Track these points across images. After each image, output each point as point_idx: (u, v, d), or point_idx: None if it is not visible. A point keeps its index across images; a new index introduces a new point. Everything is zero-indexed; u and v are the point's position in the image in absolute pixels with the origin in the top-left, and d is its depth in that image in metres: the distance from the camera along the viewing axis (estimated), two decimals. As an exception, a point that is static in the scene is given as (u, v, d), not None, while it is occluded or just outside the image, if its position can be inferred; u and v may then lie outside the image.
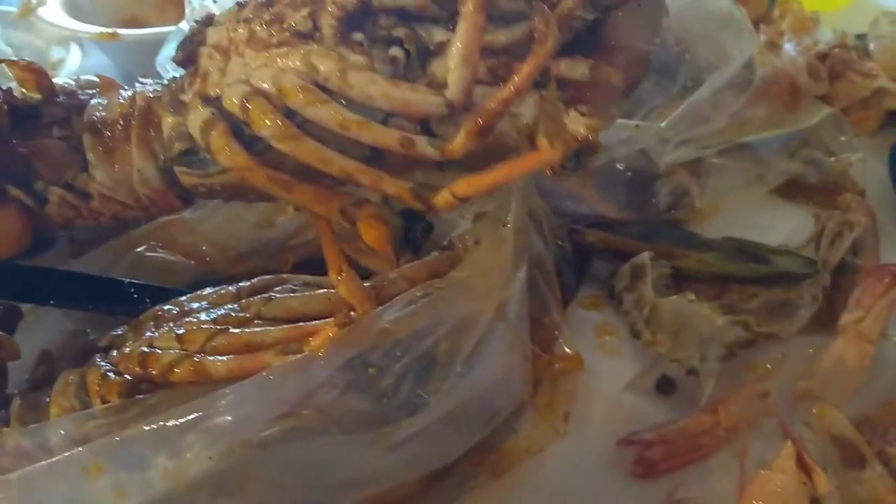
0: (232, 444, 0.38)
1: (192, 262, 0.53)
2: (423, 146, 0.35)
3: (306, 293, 0.44)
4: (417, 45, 0.36)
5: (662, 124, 0.57)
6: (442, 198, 0.35)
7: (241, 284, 0.46)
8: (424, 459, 0.42)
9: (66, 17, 0.75)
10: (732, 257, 0.56)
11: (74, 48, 0.71)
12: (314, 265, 0.51)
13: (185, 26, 0.67)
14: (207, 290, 0.47)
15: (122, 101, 0.42)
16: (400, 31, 0.36)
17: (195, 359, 0.40)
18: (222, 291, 0.46)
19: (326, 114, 0.35)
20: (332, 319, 0.41)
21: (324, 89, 0.36)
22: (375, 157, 0.36)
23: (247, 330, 0.42)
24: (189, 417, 0.37)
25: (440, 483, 0.44)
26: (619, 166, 0.62)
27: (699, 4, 0.66)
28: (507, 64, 0.35)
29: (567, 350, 0.50)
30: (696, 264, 0.55)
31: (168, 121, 0.39)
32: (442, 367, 0.41)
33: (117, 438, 0.37)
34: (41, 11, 0.75)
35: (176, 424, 0.37)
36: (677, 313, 0.49)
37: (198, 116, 0.38)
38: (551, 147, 0.32)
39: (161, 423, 0.37)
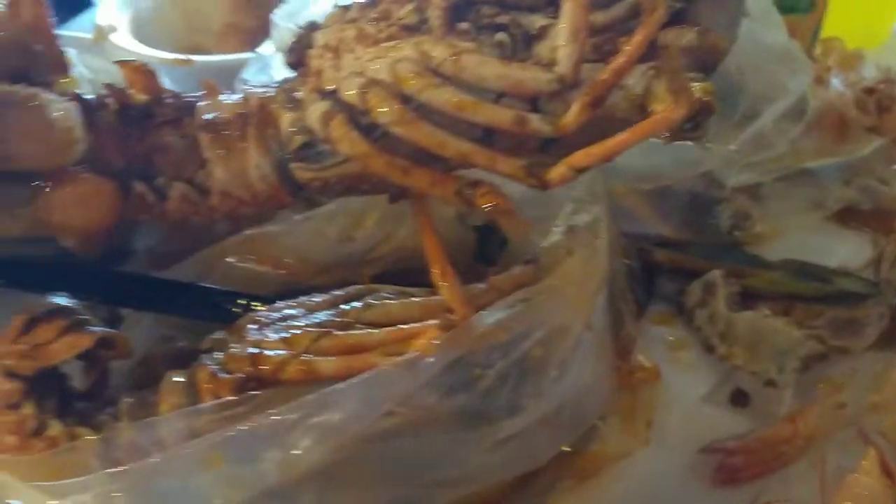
0: (341, 440, 0.39)
1: (278, 272, 0.55)
2: (537, 123, 0.37)
3: (403, 300, 0.46)
4: (521, 31, 0.38)
5: (732, 147, 0.59)
6: (557, 172, 0.36)
7: (335, 293, 0.48)
8: (519, 461, 0.43)
9: (137, 43, 0.78)
10: (797, 277, 0.58)
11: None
12: (389, 278, 0.53)
13: (265, 51, 0.70)
14: (302, 298, 0.49)
15: (232, 102, 0.44)
16: (503, 18, 0.38)
17: (304, 358, 0.42)
18: (317, 299, 0.48)
19: (442, 96, 0.37)
20: (434, 322, 0.42)
21: (437, 74, 0.38)
22: (484, 139, 0.38)
23: (350, 332, 0.43)
24: (300, 413, 0.39)
25: (527, 486, 0.46)
26: (678, 189, 0.64)
27: (756, 38, 0.68)
28: (611, 39, 0.37)
29: (644, 361, 0.51)
30: (763, 283, 0.57)
31: (286, 117, 0.42)
32: (537, 372, 0.42)
33: (233, 432, 0.38)
34: (113, 37, 0.78)
35: (288, 419, 0.39)
36: (753, 328, 0.51)
37: (317, 109, 0.40)
38: (676, 103, 0.34)
39: (274, 417, 0.39)
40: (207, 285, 0.53)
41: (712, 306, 0.54)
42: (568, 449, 0.45)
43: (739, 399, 0.51)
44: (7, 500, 0.41)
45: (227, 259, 0.55)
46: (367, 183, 0.42)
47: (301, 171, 0.42)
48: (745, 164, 0.61)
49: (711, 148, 0.59)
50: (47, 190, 0.42)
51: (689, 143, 0.59)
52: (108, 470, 0.39)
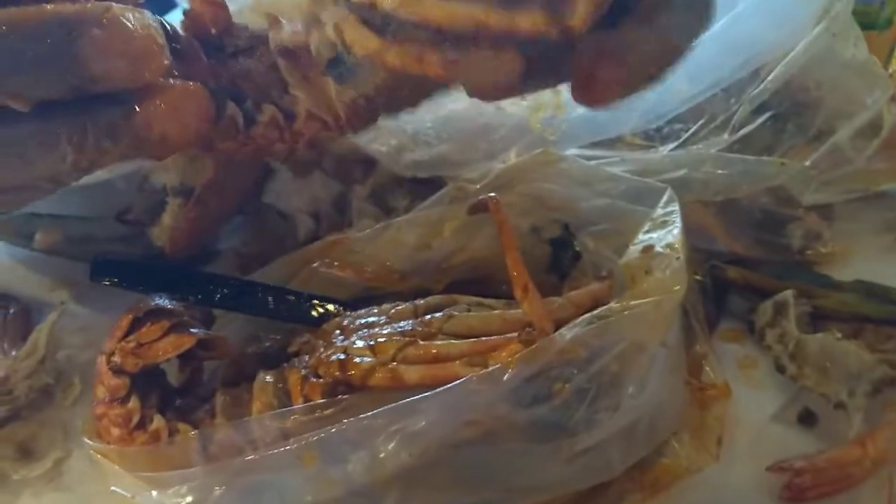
0: (424, 445, 0.41)
1: (358, 278, 0.57)
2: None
3: (483, 313, 0.48)
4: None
5: (807, 162, 0.60)
6: (580, 13, 0.36)
7: (417, 302, 0.50)
8: (595, 472, 0.45)
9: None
10: (867, 299, 0.58)
11: None
12: (463, 287, 0.55)
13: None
14: (385, 306, 0.51)
15: (296, 31, 0.45)
16: None
17: (391, 366, 0.44)
18: (400, 308, 0.50)
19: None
20: (515, 335, 0.44)
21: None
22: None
23: (434, 343, 0.46)
24: (388, 419, 0.41)
25: (597, 497, 0.47)
26: (750, 206, 0.65)
27: (835, 53, 0.68)
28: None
29: (714, 378, 0.52)
30: (834, 304, 0.57)
31: (314, 37, 0.43)
32: (614, 387, 0.44)
33: (327, 433, 0.41)
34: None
35: (376, 424, 0.41)
36: (824, 349, 0.52)
37: (330, 18, 0.42)
38: None
39: (364, 421, 0.41)
40: (294, 289, 0.55)
41: (783, 326, 0.54)
42: (639, 461, 0.47)
43: (808, 419, 0.52)
44: (112, 488, 0.44)
45: (311, 265, 0.57)
46: (405, 89, 0.42)
47: (343, 93, 0.43)
48: (822, 181, 0.62)
49: (786, 164, 0.59)
50: (142, 105, 0.40)
51: (763, 157, 0.61)
52: (208, 465, 0.42)
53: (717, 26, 0.59)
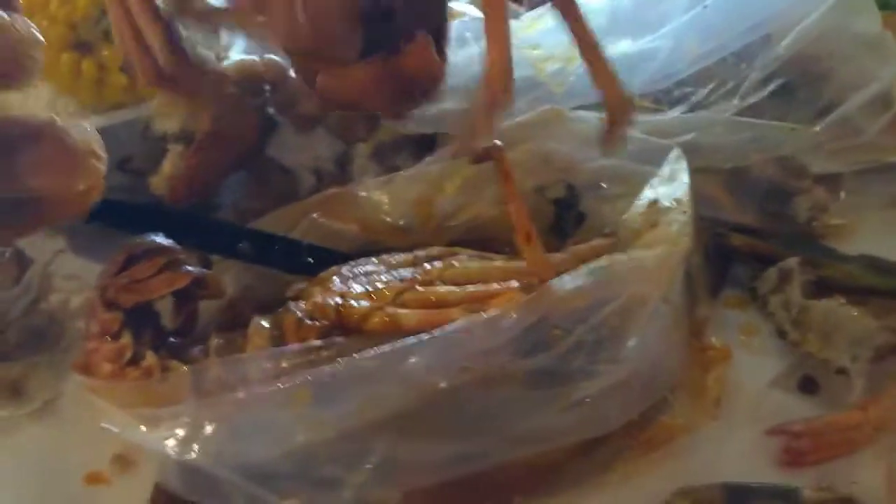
0: (420, 389, 0.41)
1: (358, 231, 0.57)
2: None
3: (484, 263, 0.47)
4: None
5: (817, 128, 0.59)
6: None
7: (417, 252, 0.50)
8: (590, 424, 0.44)
9: None
10: (872, 271, 0.57)
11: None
12: (466, 245, 0.55)
13: None
14: (384, 256, 0.50)
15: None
16: None
17: (388, 310, 0.43)
18: (400, 257, 0.50)
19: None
20: (515, 284, 0.44)
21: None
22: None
23: (432, 288, 0.45)
24: (383, 361, 0.40)
25: (593, 451, 0.46)
26: (758, 175, 0.64)
27: (848, 25, 0.67)
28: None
29: (715, 342, 0.52)
30: (839, 274, 0.56)
31: None
32: (614, 339, 0.43)
33: (318, 373, 0.40)
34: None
35: (371, 365, 0.40)
36: (827, 316, 0.51)
37: None
38: None
39: (358, 362, 0.40)
40: (293, 238, 0.55)
41: (787, 293, 0.54)
42: (637, 418, 0.46)
43: (808, 386, 0.51)
44: (102, 425, 0.44)
45: (310, 216, 0.56)
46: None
47: None
48: (829, 150, 0.61)
49: (796, 129, 0.59)
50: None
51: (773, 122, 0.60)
52: (199, 401, 0.41)
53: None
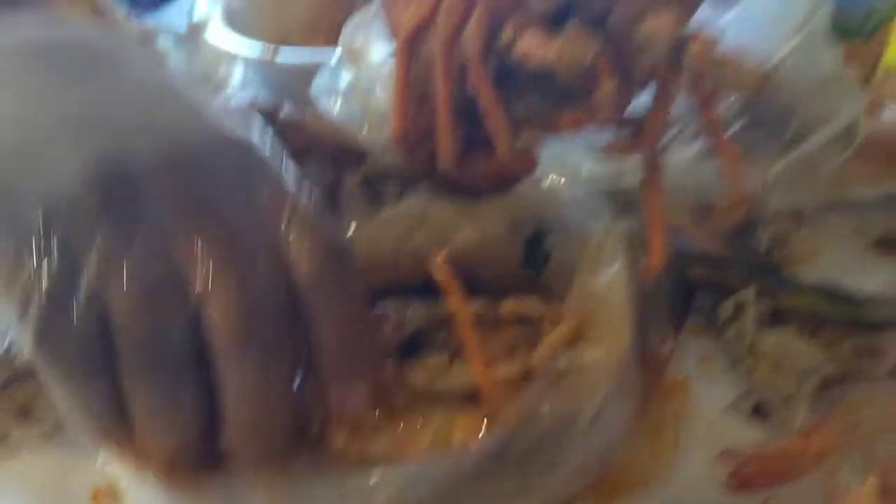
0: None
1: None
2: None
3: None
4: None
5: (769, 173, 0.63)
6: None
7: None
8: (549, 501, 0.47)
9: (229, 34, 0.84)
10: (827, 301, 0.61)
11: (237, 67, 0.80)
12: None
13: (334, 61, 0.74)
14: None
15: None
16: None
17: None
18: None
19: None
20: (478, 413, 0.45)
21: None
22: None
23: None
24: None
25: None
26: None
27: (811, 64, 0.71)
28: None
29: (675, 377, 0.56)
30: (794, 304, 0.60)
31: None
32: (571, 433, 0.46)
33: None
34: (207, 31, 0.84)
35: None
36: (778, 345, 0.55)
37: None
38: None
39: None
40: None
41: (742, 323, 0.58)
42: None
43: (760, 413, 0.55)
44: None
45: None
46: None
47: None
48: (786, 189, 0.65)
49: (753, 170, 0.62)
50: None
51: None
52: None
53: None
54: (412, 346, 0.53)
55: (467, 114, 0.45)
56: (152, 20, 0.89)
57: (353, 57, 0.72)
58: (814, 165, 0.67)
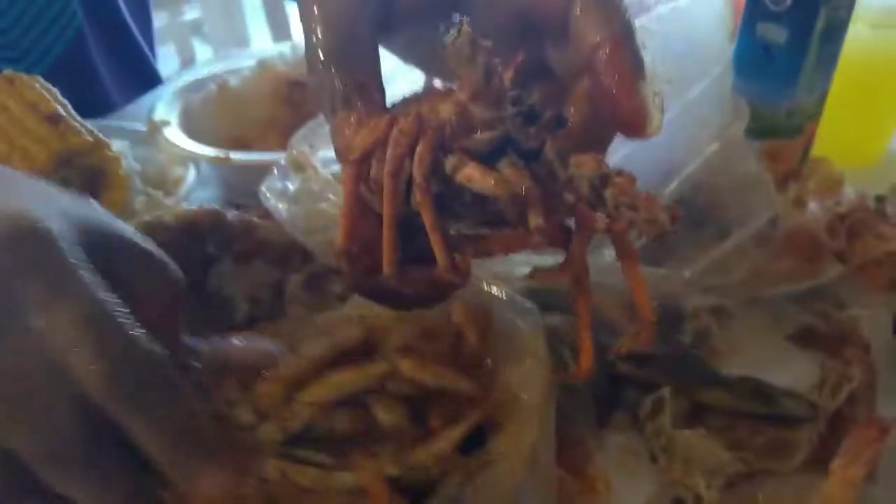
0: None
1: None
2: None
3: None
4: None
5: (687, 274, 0.66)
6: None
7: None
8: None
9: (185, 137, 0.88)
10: (745, 396, 0.64)
11: (192, 168, 0.84)
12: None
13: (283, 160, 0.78)
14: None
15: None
16: None
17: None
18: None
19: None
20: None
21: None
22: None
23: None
24: None
25: None
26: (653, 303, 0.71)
27: (730, 166, 0.75)
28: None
29: (596, 473, 0.58)
30: (711, 399, 0.63)
31: None
32: None
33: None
34: (166, 131, 0.88)
35: None
36: (689, 445, 0.58)
37: None
38: None
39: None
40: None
41: (659, 421, 0.60)
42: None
43: (676, 508, 0.58)
44: None
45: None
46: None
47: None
48: (704, 288, 0.68)
49: (667, 275, 0.66)
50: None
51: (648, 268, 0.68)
52: None
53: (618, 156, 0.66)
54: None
55: (408, 230, 0.48)
56: (111, 121, 0.93)
57: (301, 163, 0.76)
58: (734, 264, 0.71)
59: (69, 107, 0.74)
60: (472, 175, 0.42)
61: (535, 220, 0.42)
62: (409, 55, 0.53)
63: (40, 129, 0.70)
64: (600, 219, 0.45)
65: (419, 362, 0.52)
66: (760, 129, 0.85)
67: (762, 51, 0.83)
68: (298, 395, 0.50)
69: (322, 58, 0.44)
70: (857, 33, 0.85)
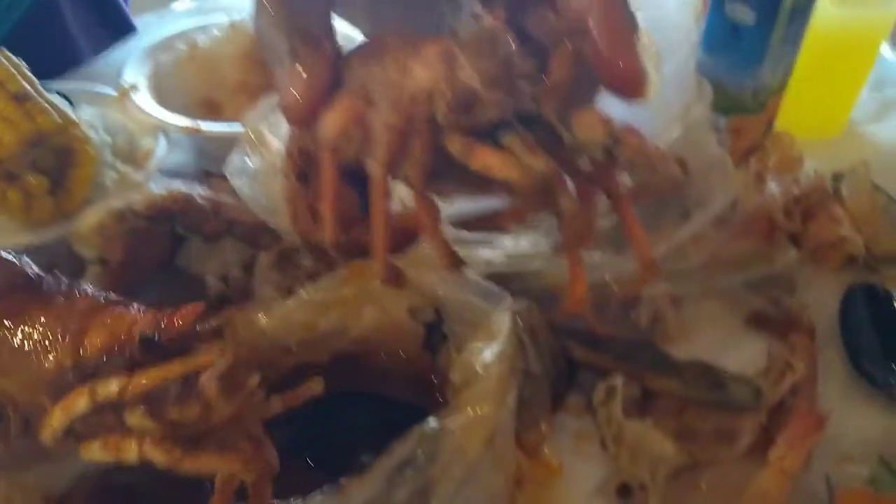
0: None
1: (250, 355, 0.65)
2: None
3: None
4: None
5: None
6: None
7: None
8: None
9: (155, 104, 0.88)
10: (694, 382, 0.67)
11: (162, 140, 0.83)
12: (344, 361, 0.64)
13: (250, 125, 0.78)
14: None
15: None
16: None
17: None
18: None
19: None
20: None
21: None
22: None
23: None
24: None
25: None
26: (613, 286, 0.74)
27: (693, 147, 0.77)
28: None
29: (549, 458, 0.62)
30: (661, 386, 0.66)
31: None
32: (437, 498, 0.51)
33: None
34: (135, 97, 0.88)
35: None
36: (637, 436, 0.61)
37: None
38: None
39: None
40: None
41: (610, 408, 0.63)
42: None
43: (624, 494, 0.61)
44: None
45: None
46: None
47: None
48: (664, 274, 0.70)
49: (627, 263, 0.68)
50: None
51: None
52: None
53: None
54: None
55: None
56: (81, 82, 0.92)
57: (258, 140, 0.76)
58: (692, 249, 0.73)
59: (37, 83, 0.74)
60: (489, 163, 0.40)
61: (566, 202, 0.40)
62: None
63: (7, 108, 0.70)
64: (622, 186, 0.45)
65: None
66: (726, 106, 0.87)
67: (730, 30, 0.83)
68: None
69: (271, 13, 0.43)
70: (822, 10, 0.86)
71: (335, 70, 0.45)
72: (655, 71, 0.74)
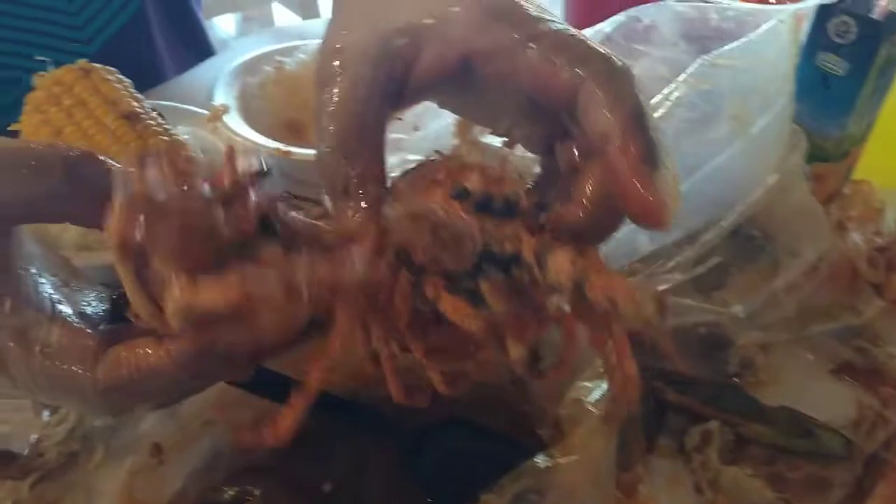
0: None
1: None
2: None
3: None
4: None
5: (741, 314, 0.69)
6: None
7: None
8: None
9: (245, 126, 0.89)
10: (785, 429, 0.68)
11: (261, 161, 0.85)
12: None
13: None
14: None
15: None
16: None
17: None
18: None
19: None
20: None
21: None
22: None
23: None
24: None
25: None
26: (701, 329, 0.74)
27: (784, 198, 0.78)
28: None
29: (647, 499, 0.62)
30: (754, 434, 0.67)
31: None
32: None
33: None
34: (226, 118, 0.90)
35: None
36: (735, 482, 0.61)
37: None
38: None
39: None
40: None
41: (707, 454, 0.64)
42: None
43: (720, 541, 0.62)
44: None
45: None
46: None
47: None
48: (755, 325, 0.71)
49: (722, 312, 0.69)
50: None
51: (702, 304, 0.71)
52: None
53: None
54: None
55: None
56: (173, 102, 0.94)
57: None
58: (784, 297, 0.74)
59: (144, 102, 0.75)
60: (448, 310, 0.41)
61: (515, 350, 0.42)
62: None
63: (118, 127, 0.71)
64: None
65: None
66: (810, 154, 0.87)
67: (820, 79, 0.84)
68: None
69: (328, 146, 0.44)
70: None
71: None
72: (743, 127, 0.75)
